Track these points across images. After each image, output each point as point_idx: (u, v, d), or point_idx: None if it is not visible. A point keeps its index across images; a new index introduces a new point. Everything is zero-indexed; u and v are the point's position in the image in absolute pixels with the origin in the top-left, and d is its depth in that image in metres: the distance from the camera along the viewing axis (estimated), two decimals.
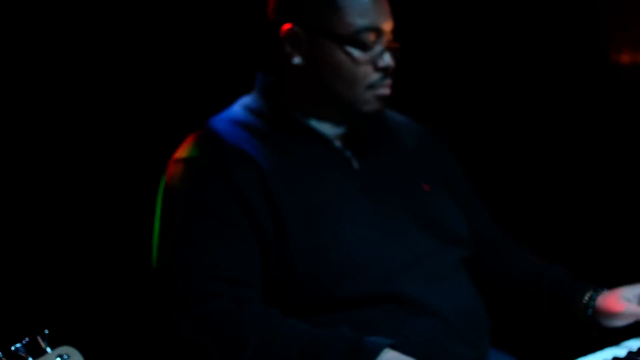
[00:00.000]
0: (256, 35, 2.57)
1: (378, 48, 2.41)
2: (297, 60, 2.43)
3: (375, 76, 2.41)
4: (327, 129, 2.49)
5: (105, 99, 2.91)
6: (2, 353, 1.75)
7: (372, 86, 2.41)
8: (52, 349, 1.85)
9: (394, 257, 2.36)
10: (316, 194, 2.35)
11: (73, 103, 2.87)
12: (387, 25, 2.44)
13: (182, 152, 2.40)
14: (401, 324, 2.33)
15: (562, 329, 2.60)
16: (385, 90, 2.43)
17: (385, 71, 2.42)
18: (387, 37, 2.43)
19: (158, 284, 2.30)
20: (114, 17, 2.89)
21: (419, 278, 2.37)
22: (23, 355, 1.80)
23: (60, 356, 1.85)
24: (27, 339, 1.81)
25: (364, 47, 2.38)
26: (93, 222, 2.88)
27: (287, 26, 2.43)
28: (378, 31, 2.40)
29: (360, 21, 2.39)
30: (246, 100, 2.52)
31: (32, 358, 1.81)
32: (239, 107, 2.50)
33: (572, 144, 3.74)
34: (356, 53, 2.39)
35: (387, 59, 2.42)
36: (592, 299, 2.51)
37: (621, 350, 2.38)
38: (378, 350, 2.11)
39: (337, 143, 2.50)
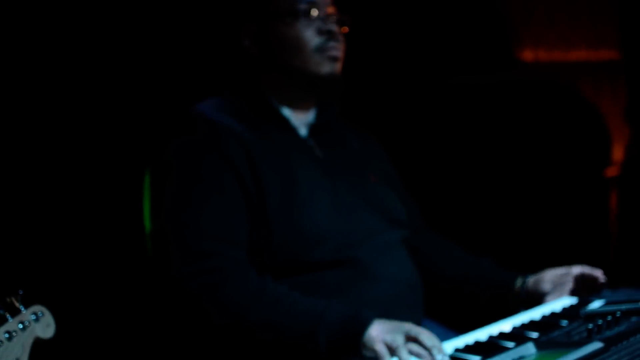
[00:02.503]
0: (226, 41, 2.82)
1: (317, 15, 2.67)
2: (255, 50, 2.71)
3: (319, 39, 2.67)
4: (295, 118, 2.75)
5: (92, 100, 3.11)
6: None
7: (319, 49, 2.66)
8: (25, 308, 1.98)
9: (351, 231, 2.63)
10: (289, 174, 2.60)
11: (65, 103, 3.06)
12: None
13: (176, 130, 2.63)
14: (358, 287, 2.58)
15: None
16: (334, 52, 2.68)
17: (329, 34, 2.67)
18: (325, 9, 2.70)
19: (158, 244, 2.52)
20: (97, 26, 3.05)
21: (371, 249, 2.64)
22: (1, 314, 1.92)
23: (35, 314, 1.99)
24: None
25: (299, 15, 2.65)
26: (67, 189, 3.01)
27: (242, 24, 2.72)
28: (312, 2, 2.68)
29: None
30: (225, 95, 2.76)
31: (10, 316, 1.93)
32: (216, 99, 2.74)
33: (481, 142, 3.95)
34: (295, 22, 2.66)
35: (328, 24, 2.68)
36: (524, 285, 2.81)
37: (536, 313, 2.63)
38: (369, 320, 2.35)
39: (303, 132, 2.76)
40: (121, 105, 3.15)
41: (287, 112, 2.74)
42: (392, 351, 2.29)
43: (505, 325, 2.51)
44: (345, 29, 2.74)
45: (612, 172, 4.15)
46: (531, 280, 2.81)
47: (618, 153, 4.12)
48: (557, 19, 4.16)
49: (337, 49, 2.69)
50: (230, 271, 2.44)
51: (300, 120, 2.76)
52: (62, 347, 2.12)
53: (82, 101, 3.09)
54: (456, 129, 3.93)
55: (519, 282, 2.82)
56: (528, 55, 4.14)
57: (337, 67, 2.70)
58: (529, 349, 2.21)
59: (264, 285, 2.43)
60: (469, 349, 2.33)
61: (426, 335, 2.28)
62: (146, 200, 2.62)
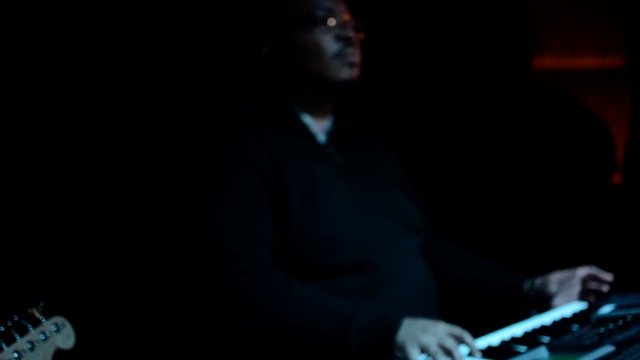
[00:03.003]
0: (245, 49, 2.86)
1: (334, 22, 2.73)
2: (274, 57, 2.76)
3: (338, 45, 2.72)
4: (314, 124, 2.80)
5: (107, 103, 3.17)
6: (11, 323, 1.91)
7: (338, 55, 2.72)
8: (46, 319, 2.02)
9: (370, 236, 2.68)
10: (310, 179, 2.65)
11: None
12: (338, 7, 2.76)
13: (205, 137, 2.69)
14: (376, 291, 2.63)
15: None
16: (353, 58, 2.73)
17: (347, 41, 2.73)
18: (341, 17, 2.75)
19: (191, 245, 2.54)
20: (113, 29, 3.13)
21: (389, 254, 2.69)
22: (24, 325, 1.96)
23: (56, 324, 2.03)
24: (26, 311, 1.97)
25: (318, 22, 2.71)
26: (86, 202, 3.06)
27: (260, 33, 2.77)
28: (329, 9, 2.73)
29: (310, 3, 2.73)
30: (247, 102, 2.80)
31: (32, 327, 1.97)
32: (239, 106, 2.79)
33: (487, 149, 3.99)
34: (314, 28, 2.71)
35: (346, 31, 2.73)
36: (532, 286, 2.87)
37: (546, 318, 2.68)
38: (399, 319, 2.40)
39: (321, 138, 2.81)
40: (147, 113, 3.20)
41: (306, 118, 2.79)
42: (425, 352, 2.34)
43: (517, 330, 2.55)
44: (361, 35, 2.79)
45: (618, 178, 4.19)
46: (538, 282, 2.86)
47: None
48: (562, 26, 4.20)
49: (355, 55, 2.74)
50: (260, 273, 2.48)
51: (319, 127, 2.81)
52: (82, 358, 2.15)
53: (110, 109, 3.15)
54: (463, 136, 3.97)
55: (527, 284, 2.87)
56: (535, 62, 4.18)
57: (355, 72, 2.75)
58: (542, 352, 2.24)
59: (293, 286, 2.48)
60: (482, 353, 2.36)
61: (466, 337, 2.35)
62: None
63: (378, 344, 2.40)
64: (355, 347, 2.41)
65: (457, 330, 2.37)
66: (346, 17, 2.76)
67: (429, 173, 3.84)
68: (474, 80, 3.96)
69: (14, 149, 2.95)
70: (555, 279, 2.83)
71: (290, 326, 2.44)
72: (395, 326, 2.39)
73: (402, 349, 2.36)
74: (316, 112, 2.80)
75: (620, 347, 2.15)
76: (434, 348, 2.32)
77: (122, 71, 3.17)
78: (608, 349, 2.13)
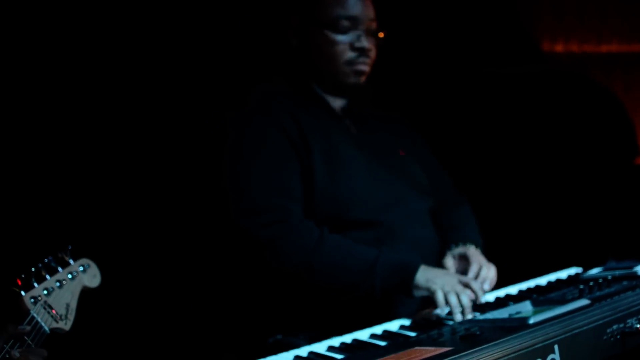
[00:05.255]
0: (274, 33, 3.11)
1: (354, 32, 2.93)
2: (295, 43, 3.00)
3: (351, 54, 2.94)
4: (333, 101, 3.04)
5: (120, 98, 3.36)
6: (41, 264, 2.15)
7: (349, 62, 2.94)
8: (74, 260, 2.26)
9: (384, 196, 2.92)
10: (330, 145, 2.91)
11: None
12: (364, 15, 2.96)
13: (239, 106, 2.94)
14: (389, 247, 2.81)
15: None
16: (362, 67, 2.96)
17: (360, 51, 2.94)
18: (365, 24, 2.95)
19: (229, 197, 2.80)
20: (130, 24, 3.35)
21: (402, 214, 2.92)
22: (54, 266, 2.20)
23: (83, 265, 2.27)
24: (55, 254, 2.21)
25: (339, 31, 2.92)
26: (113, 153, 3.30)
27: (289, 17, 3.00)
28: (354, 19, 2.93)
29: (337, 10, 2.93)
30: (276, 80, 3.03)
31: (61, 268, 2.21)
32: (272, 83, 3.02)
33: (507, 130, 4.13)
34: (333, 36, 2.93)
35: (362, 41, 2.93)
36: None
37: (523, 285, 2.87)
38: (418, 263, 2.67)
39: (339, 112, 3.05)
40: (191, 89, 3.44)
41: (325, 95, 3.03)
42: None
43: (513, 290, 2.76)
44: (381, 34, 2.98)
45: None
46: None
47: None
48: (588, 13, 4.30)
49: (365, 64, 2.96)
50: (292, 222, 2.74)
51: (337, 103, 3.05)
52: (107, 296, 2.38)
53: (153, 90, 3.38)
54: (486, 118, 4.11)
55: (452, 247, 2.98)
56: (559, 48, 4.29)
57: (362, 79, 2.97)
58: (526, 305, 2.45)
59: (324, 233, 2.74)
60: (475, 307, 2.57)
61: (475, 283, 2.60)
62: None
63: (399, 284, 2.67)
64: (379, 288, 2.67)
65: (465, 278, 2.64)
66: (370, 24, 2.94)
67: (453, 154, 4.00)
68: (486, 65, 4.10)
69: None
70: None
71: (321, 270, 2.70)
72: (414, 269, 2.66)
73: (420, 288, 2.63)
74: (334, 91, 3.03)
75: (595, 300, 2.33)
76: (447, 288, 2.57)
77: (163, 52, 3.39)
78: (583, 302, 2.31)
